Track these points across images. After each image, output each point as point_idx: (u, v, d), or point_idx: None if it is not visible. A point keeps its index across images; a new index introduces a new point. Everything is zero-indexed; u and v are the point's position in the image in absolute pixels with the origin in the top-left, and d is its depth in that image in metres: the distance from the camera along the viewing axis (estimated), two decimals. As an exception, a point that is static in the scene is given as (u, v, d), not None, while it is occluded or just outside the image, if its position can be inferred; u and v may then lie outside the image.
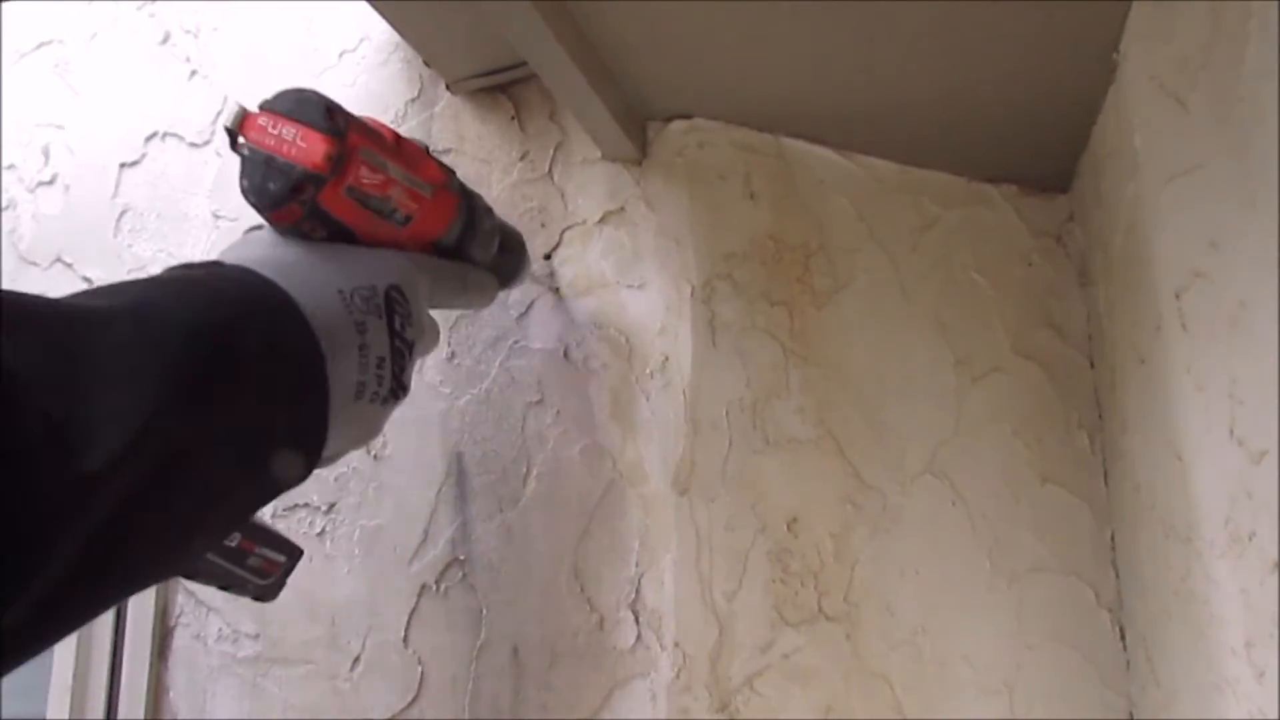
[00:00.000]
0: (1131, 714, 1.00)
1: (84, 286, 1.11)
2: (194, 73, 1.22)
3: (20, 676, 1.03)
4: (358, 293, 0.59)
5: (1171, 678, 0.86)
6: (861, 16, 0.84)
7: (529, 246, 0.92)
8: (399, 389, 0.63)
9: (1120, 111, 0.90)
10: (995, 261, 1.08)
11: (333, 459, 0.61)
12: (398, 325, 0.62)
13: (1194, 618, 0.77)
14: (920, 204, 1.10)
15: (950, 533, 1.01)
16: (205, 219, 1.17)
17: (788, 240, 1.04)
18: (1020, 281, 1.08)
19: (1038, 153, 1.08)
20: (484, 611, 0.97)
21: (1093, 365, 1.10)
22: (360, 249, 0.63)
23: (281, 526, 1.04)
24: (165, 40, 1.24)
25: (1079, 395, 1.06)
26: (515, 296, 1.02)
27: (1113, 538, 1.04)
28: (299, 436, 0.54)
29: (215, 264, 0.58)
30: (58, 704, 1.07)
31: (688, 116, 1.01)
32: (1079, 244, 1.12)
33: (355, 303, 0.59)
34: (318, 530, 1.03)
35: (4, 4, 1.20)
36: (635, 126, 0.99)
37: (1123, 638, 1.02)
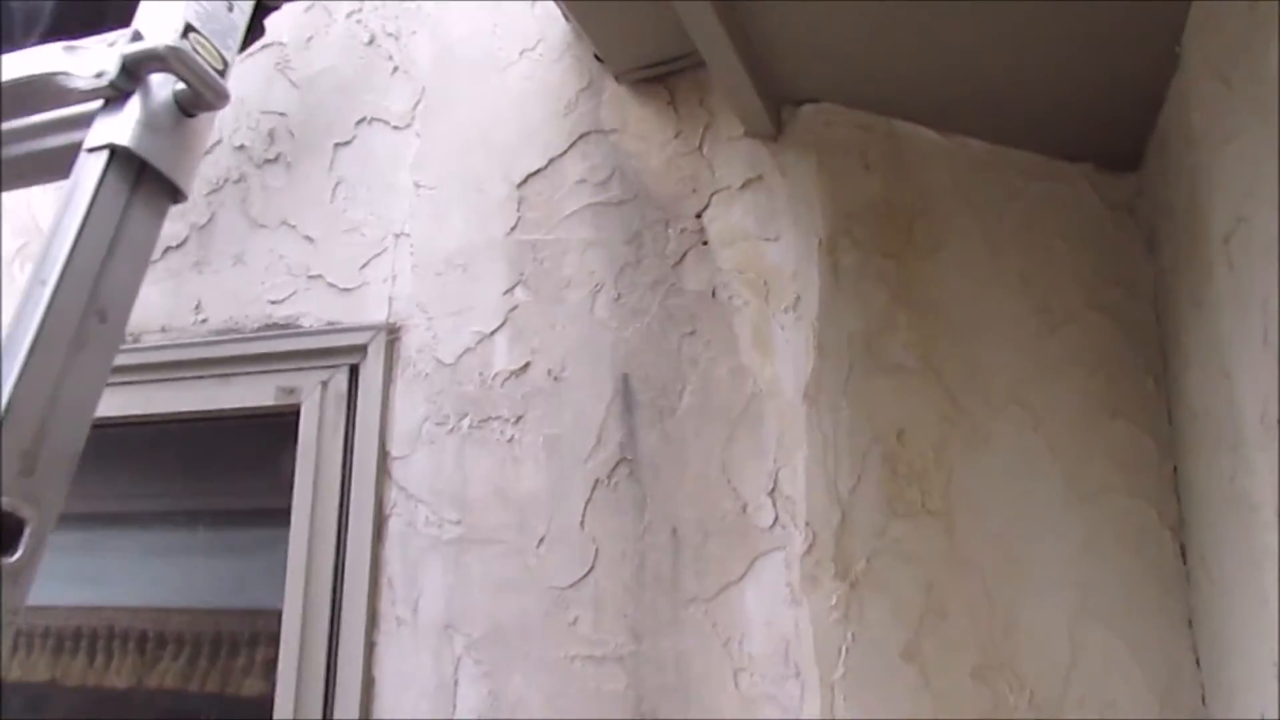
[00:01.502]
0: (1190, 621, 1.17)
1: (306, 245, 1.38)
2: (396, 69, 1.48)
3: (260, 572, 1.30)
4: None
5: (1223, 572, 1.05)
6: (962, 18, 1.05)
7: (682, 212, 1.14)
8: None
9: (1182, 96, 1.10)
10: (1073, 228, 1.28)
11: None
12: None
13: (1240, 512, 0.96)
14: (1007, 178, 1.30)
15: (1031, 455, 1.21)
16: (408, 188, 1.42)
17: (897, 204, 1.25)
18: (1095, 246, 1.28)
19: (1111, 135, 1.27)
20: (647, 500, 1.19)
21: (1158, 320, 1.29)
22: None
23: (477, 436, 1.28)
24: (371, 42, 1.49)
25: (1146, 344, 1.25)
26: (671, 247, 1.25)
27: (1175, 469, 1.22)
28: None
29: None
30: (293, 588, 1.32)
31: (816, 101, 1.23)
32: (1147, 215, 1.31)
33: None
34: (508, 438, 1.27)
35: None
36: (773, 108, 1.22)
37: (1183, 555, 1.20)
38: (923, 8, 1.04)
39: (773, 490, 1.15)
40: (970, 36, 1.09)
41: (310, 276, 1.44)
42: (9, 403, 0.77)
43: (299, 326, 1.42)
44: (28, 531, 0.75)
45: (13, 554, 0.74)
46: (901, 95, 1.23)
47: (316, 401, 1.37)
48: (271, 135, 1.52)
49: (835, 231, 1.21)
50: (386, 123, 1.46)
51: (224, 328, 1.45)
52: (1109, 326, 1.26)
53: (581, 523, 1.22)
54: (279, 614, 1.35)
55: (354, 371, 1.37)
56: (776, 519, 1.14)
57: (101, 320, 0.87)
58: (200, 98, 1.00)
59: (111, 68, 0.97)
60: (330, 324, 1.40)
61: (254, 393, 1.39)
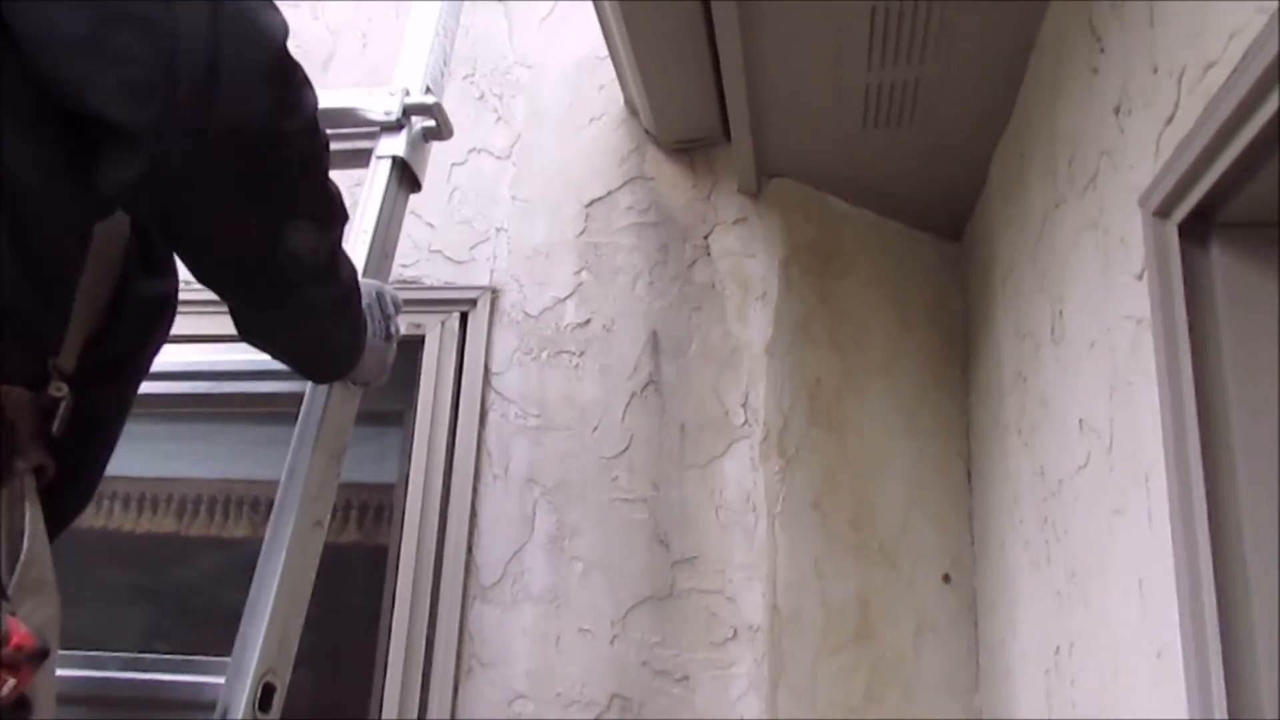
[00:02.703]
0: (970, 513, 2.02)
1: (428, 229, 2.07)
2: (499, 118, 2.19)
3: (374, 452, 2.00)
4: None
5: (985, 480, 1.90)
6: (864, 146, 1.88)
7: (695, 234, 1.93)
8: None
9: (986, 200, 1.96)
10: (921, 272, 2.12)
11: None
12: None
13: (999, 435, 1.82)
14: (886, 238, 2.14)
15: (888, 403, 2.03)
16: (506, 199, 2.13)
17: (822, 245, 2.07)
18: (933, 284, 2.12)
19: (947, 218, 2.14)
20: (665, 407, 1.95)
21: (965, 330, 2.15)
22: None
23: (552, 363, 2.00)
24: (481, 98, 2.20)
25: (957, 345, 2.10)
26: (687, 256, 2.02)
27: (969, 423, 2.08)
28: (356, 338, 1.13)
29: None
30: (418, 458, 1.98)
31: (782, 176, 2.05)
32: (963, 268, 2.18)
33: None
34: (574, 365, 2.00)
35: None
36: (757, 178, 2.02)
37: (969, 474, 2.04)
38: (843, 139, 1.87)
39: (744, 404, 1.93)
40: (868, 153, 1.92)
41: (432, 250, 2.12)
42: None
43: (421, 284, 2.10)
44: (276, 696, 1.13)
45: (267, 713, 1.11)
46: (829, 181, 2.05)
47: (438, 335, 2.05)
48: (403, 152, 2.19)
49: (788, 256, 2.02)
50: (491, 153, 2.17)
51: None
52: (937, 333, 2.11)
53: (622, 418, 1.96)
54: (392, 486, 2.02)
55: (464, 318, 2.06)
56: (746, 420, 1.92)
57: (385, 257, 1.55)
58: (440, 132, 1.69)
59: (395, 109, 1.66)
60: (447, 284, 2.09)
61: (391, 325, 2.06)
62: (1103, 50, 1.24)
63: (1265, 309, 0.94)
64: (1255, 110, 0.81)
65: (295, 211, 0.89)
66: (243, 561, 1.31)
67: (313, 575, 1.29)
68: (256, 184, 0.82)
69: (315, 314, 1.02)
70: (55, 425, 0.81)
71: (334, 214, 0.97)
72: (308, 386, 1.31)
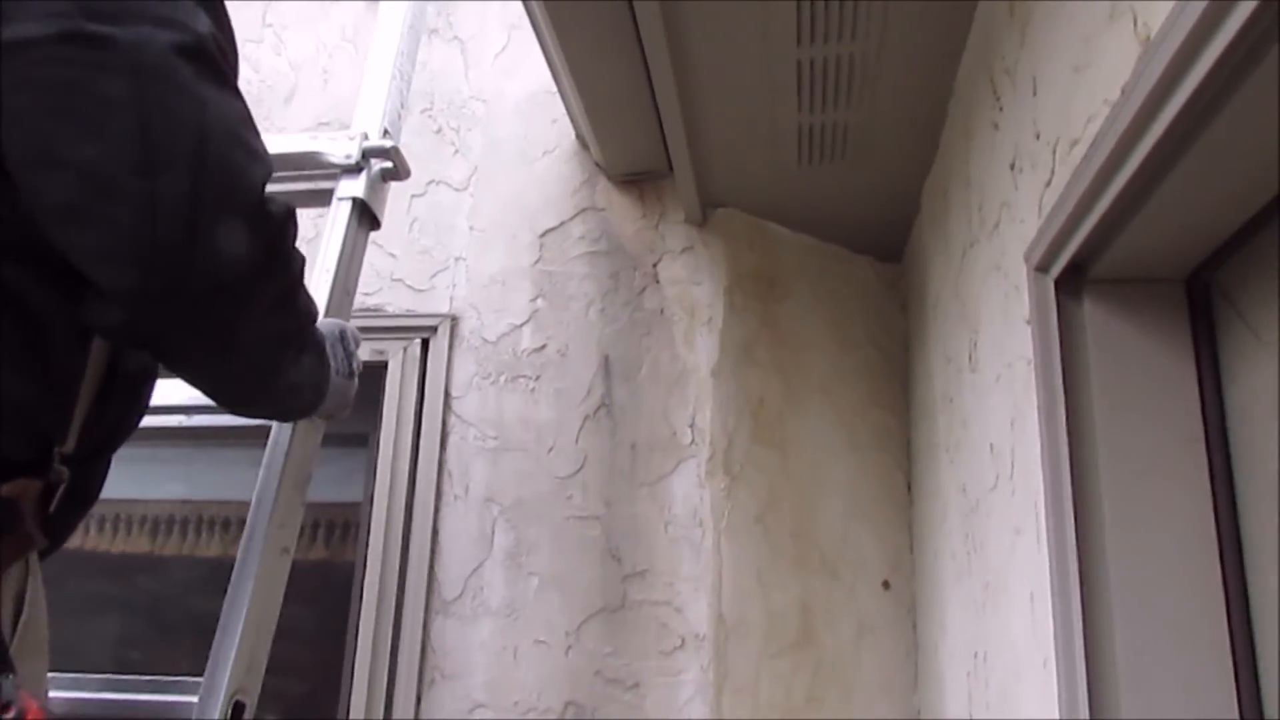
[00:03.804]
0: (910, 524, 2.14)
1: (390, 259, 2.17)
2: (456, 150, 2.29)
3: (340, 472, 2.08)
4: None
5: (921, 492, 2.02)
6: (804, 179, 1.99)
7: (644, 263, 2.03)
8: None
9: (919, 226, 2.09)
10: (861, 294, 2.24)
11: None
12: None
13: (933, 453, 1.94)
14: (825, 261, 2.26)
15: (828, 421, 2.14)
16: (464, 229, 2.23)
17: (764, 271, 2.18)
18: (873, 306, 2.24)
19: (886, 242, 2.25)
20: (616, 428, 2.06)
21: (905, 351, 2.27)
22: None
23: (510, 386, 2.10)
24: (439, 131, 2.30)
25: (898, 366, 2.22)
26: (637, 283, 2.12)
27: (909, 439, 2.20)
28: (320, 383, 1.09)
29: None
30: (382, 479, 2.08)
31: (726, 206, 2.16)
32: (902, 290, 2.30)
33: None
34: (530, 389, 2.10)
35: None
36: (702, 208, 2.13)
37: (909, 487, 2.16)
38: (781, 173, 1.98)
39: (692, 425, 2.04)
40: (806, 186, 2.04)
41: (394, 279, 2.21)
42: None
43: (384, 312, 2.19)
44: (246, 713, 1.20)
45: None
46: (771, 210, 2.17)
47: (400, 361, 2.14)
48: (364, 183, 2.28)
49: (732, 283, 2.13)
50: (449, 185, 2.26)
51: (328, 308, 2.20)
52: (877, 354, 2.23)
53: (576, 439, 2.06)
54: (357, 505, 2.11)
55: (425, 344, 2.16)
56: (692, 440, 2.03)
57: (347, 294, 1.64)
58: (397, 173, 1.78)
59: (355, 153, 1.75)
60: (408, 311, 2.18)
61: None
62: (1001, 109, 1.36)
63: (1130, 356, 1.06)
64: (1109, 183, 0.93)
65: (270, 342, 0.93)
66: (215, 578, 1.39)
67: (280, 598, 1.38)
68: (231, 328, 0.85)
69: (296, 391, 1.06)
70: (53, 504, 0.87)
71: (303, 325, 1.00)
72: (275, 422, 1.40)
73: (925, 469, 2.03)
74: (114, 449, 1.00)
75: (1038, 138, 1.17)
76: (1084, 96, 0.99)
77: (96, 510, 2.29)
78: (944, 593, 1.84)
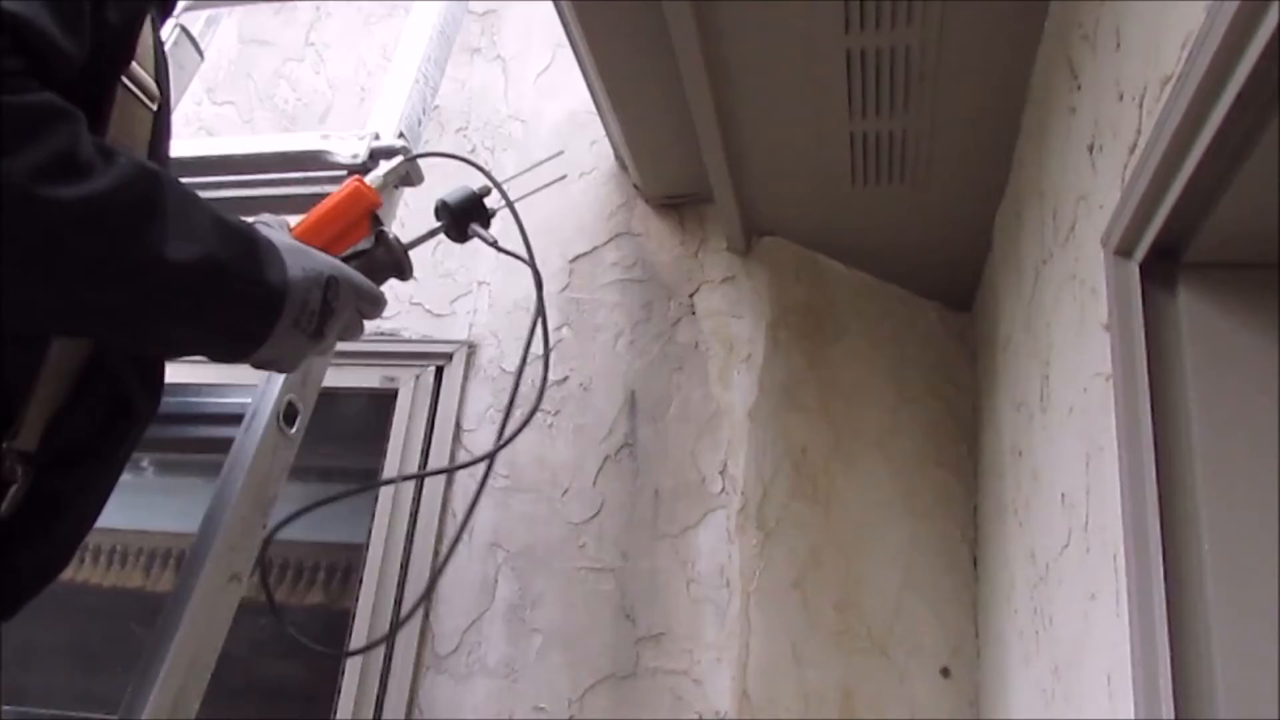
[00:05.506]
0: (974, 603, 1.85)
1: (411, 282, 2.00)
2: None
3: (345, 510, 1.88)
4: (311, 272, 0.87)
5: (988, 568, 1.74)
6: (863, 204, 1.78)
7: (680, 292, 1.83)
8: (318, 334, 0.89)
9: (991, 269, 1.85)
10: (923, 341, 2.00)
11: (266, 362, 0.87)
12: (329, 296, 0.89)
13: (1004, 519, 1.67)
14: (885, 302, 2.03)
15: (882, 480, 1.88)
16: (490, 253, 2.06)
17: (814, 307, 1.96)
18: (935, 355, 1.99)
19: (954, 287, 2.01)
20: (640, 471, 1.84)
21: (974, 407, 2.01)
22: (319, 253, 0.93)
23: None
24: (473, 150, 2.17)
25: (964, 422, 1.94)
26: (671, 314, 1.93)
27: (976, 506, 1.92)
28: (255, 327, 0.82)
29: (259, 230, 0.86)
30: (380, 520, 1.89)
31: (773, 235, 1.95)
32: (973, 340, 2.04)
33: (311, 277, 0.87)
34: (548, 424, 1.90)
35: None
36: (746, 236, 1.93)
37: (974, 561, 1.87)
38: (833, 196, 1.77)
39: (722, 471, 1.81)
40: (861, 212, 1.83)
41: (412, 303, 2.06)
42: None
43: (400, 336, 2.03)
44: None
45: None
46: (823, 241, 1.96)
47: (411, 389, 1.97)
48: (391, 203, 2.16)
49: (776, 318, 1.91)
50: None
51: (342, 331, 2.05)
52: (940, 407, 1.97)
53: (594, 481, 1.85)
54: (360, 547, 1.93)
55: (439, 372, 1.99)
56: (723, 489, 1.79)
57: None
58: (409, 178, 1.64)
59: (362, 153, 1.61)
60: (424, 337, 2.02)
61: (364, 377, 1.99)
62: (1079, 87, 1.14)
63: (1239, 360, 0.81)
64: (1205, 118, 0.70)
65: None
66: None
67: (223, 632, 1.19)
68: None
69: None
70: (4, 505, 0.78)
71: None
72: (239, 429, 1.23)
73: (993, 537, 1.75)
74: (99, 456, 0.90)
75: (1120, 98, 0.94)
76: (1178, 15, 0.77)
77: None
78: (1009, 681, 1.55)
